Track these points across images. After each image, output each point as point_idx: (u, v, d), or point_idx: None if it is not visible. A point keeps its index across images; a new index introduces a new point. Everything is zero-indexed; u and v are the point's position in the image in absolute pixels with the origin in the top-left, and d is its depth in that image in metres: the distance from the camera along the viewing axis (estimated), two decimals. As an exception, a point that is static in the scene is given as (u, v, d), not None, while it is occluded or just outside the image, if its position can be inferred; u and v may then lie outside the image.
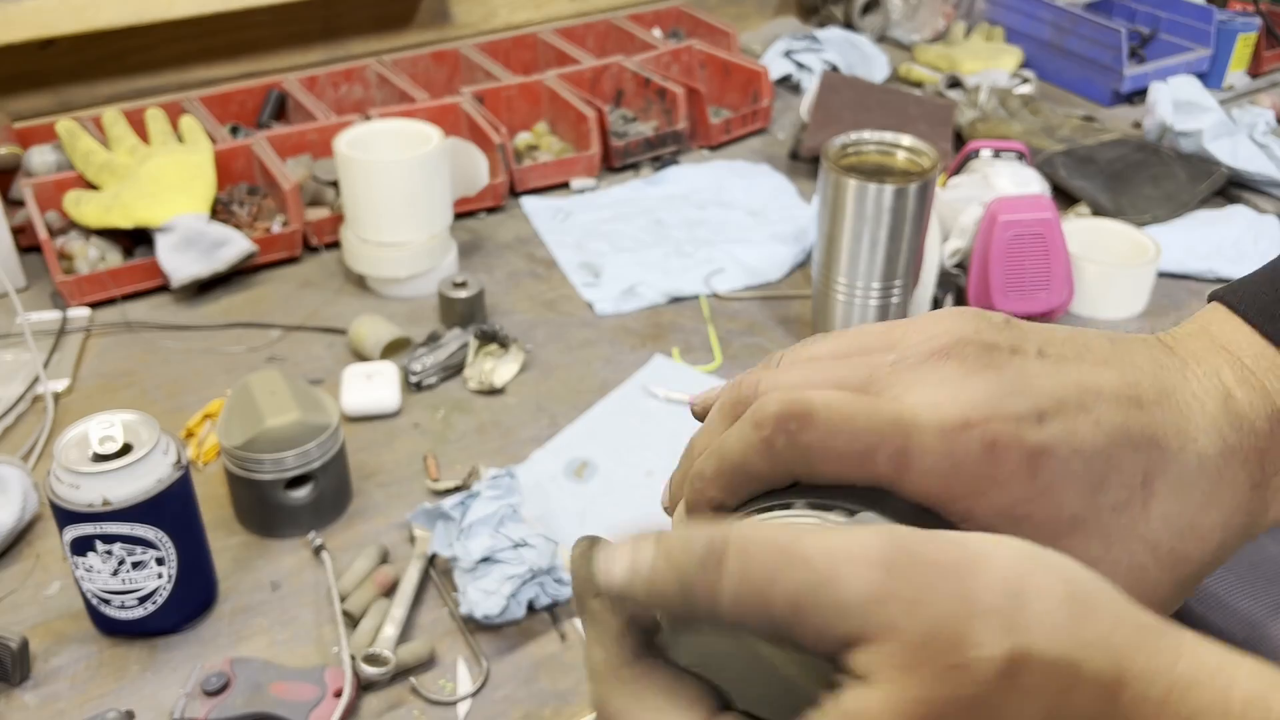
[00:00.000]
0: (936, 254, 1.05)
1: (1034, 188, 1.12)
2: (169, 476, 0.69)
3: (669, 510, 0.35)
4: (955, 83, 1.56)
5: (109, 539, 0.68)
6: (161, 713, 0.69)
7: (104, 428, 0.69)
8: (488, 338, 0.99)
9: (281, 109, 1.40)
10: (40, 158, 1.21)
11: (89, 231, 1.15)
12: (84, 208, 1.13)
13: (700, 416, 0.36)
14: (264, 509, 0.81)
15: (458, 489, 0.86)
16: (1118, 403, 0.30)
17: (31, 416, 0.95)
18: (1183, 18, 1.66)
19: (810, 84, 1.55)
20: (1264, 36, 1.67)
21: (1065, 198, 1.27)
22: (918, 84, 1.63)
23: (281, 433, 0.78)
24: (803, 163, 1.39)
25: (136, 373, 1.01)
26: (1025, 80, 1.58)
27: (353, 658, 0.70)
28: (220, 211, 1.19)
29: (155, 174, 1.15)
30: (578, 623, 0.75)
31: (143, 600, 0.71)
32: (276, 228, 1.18)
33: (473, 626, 0.74)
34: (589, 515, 0.83)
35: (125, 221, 1.12)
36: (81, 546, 0.68)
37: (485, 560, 0.74)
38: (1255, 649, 1.21)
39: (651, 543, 0.27)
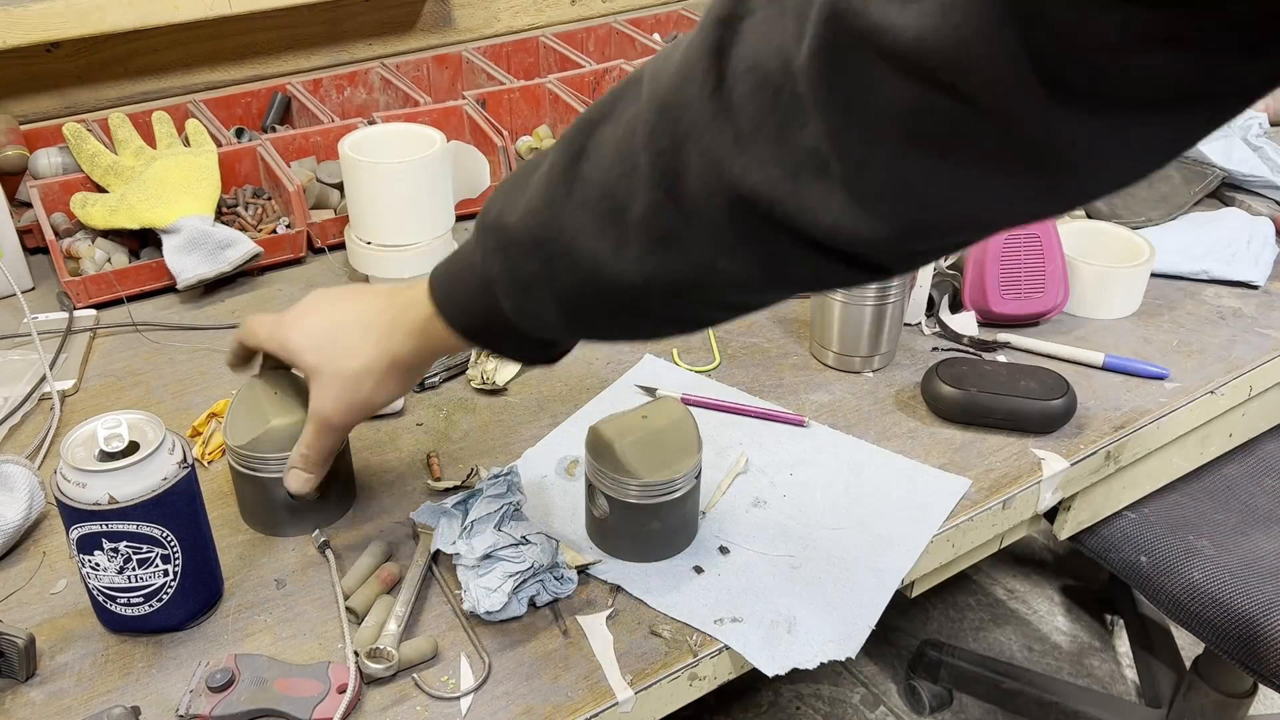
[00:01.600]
0: (933, 256, 1.06)
1: (1030, 190, 1.13)
2: (175, 475, 0.70)
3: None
4: (953, 86, 1.57)
5: (115, 537, 0.69)
6: (167, 709, 0.69)
7: (110, 427, 0.70)
8: (489, 339, 1.00)
9: (286, 112, 1.41)
10: (47, 160, 1.22)
11: (95, 233, 1.16)
12: (90, 209, 1.14)
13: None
14: (268, 507, 0.82)
15: (459, 488, 0.87)
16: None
17: (38, 416, 0.96)
18: (1180, 21, 1.66)
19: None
20: (1261, 40, 1.67)
21: (1062, 200, 1.27)
22: (916, 87, 1.64)
23: (287, 432, 0.79)
24: (802, 165, 1.40)
25: (142, 372, 1.02)
26: (1023, 83, 1.59)
27: (356, 654, 0.71)
28: (225, 213, 1.20)
29: (161, 176, 1.16)
30: (580, 619, 0.76)
31: (148, 597, 0.72)
32: (281, 229, 1.19)
33: (475, 623, 0.75)
34: (579, 512, 0.84)
35: (131, 223, 1.13)
36: (88, 544, 0.69)
37: (487, 557, 0.75)
38: (1252, 645, 1.22)
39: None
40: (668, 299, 0.56)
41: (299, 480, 0.77)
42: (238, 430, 0.80)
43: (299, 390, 0.82)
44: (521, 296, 0.60)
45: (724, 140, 0.49)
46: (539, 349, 0.68)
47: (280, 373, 0.83)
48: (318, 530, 0.82)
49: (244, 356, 0.81)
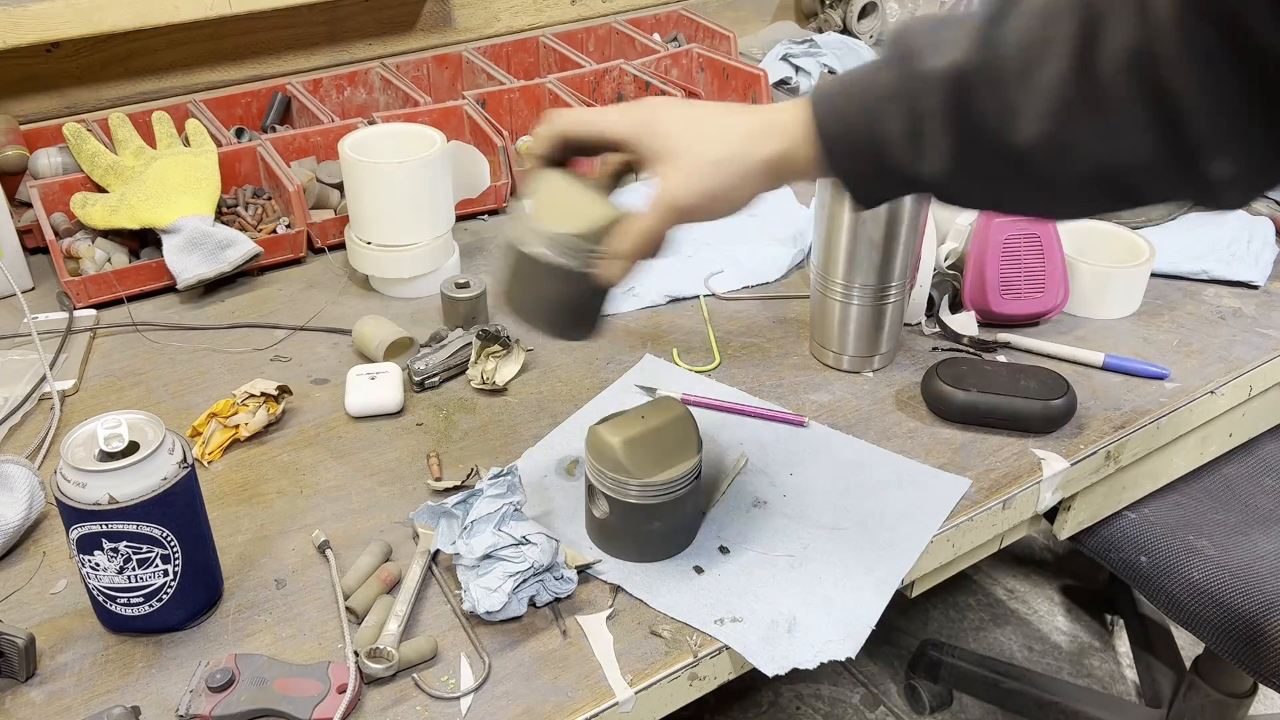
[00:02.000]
0: (933, 255, 1.06)
1: (1030, 190, 1.13)
2: (174, 475, 0.70)
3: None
4: (954, 86, 1.57)
5: (115, 537, 0.69)
6: (167, 709, 0.69)
7: (110, 427, 0.70)
8: (490, 338, 1.00)
9: (286, 112, 1.41)
10: (47, 160, 1.22)
11: (95, 233, 1.16)
12: (90, 209, 1.14)
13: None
14: (567, 304, 0.76)
15: (459, 488, 0.87)
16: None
17: (38, 416, 0.96)
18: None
19: (808, 87, 1.56)
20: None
21: (1062, 200, 1.27)
22: (916, 87, 1.64)
23: (612, 225, 0.72)
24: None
25: (142, 373, 1.02)
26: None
27: (356, 654, 0.71)
28: (225, 213, 1.20)
29: (161, 176, 1.16)
30: (580, 619, 0.76)
31: (148, 597, 0.72)
32: (281, 229, 1.19)
33: (475, 623, 0.75)
34: (579, 512, 0.84)
35: (131, 223, 1.13)
36: (88, 544, 0.69)
37: (487, 557, 0.75)
38: (1252, 645, 1.22)
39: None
40: (1051, 164, 0.59)
41: (620, 268, 0.73)
42: (559, 218, 0.73)
43: (599, 191, 0.76)
44: (916, 126, 0.62)
45: (1143, 27, 0.54)
46: (886, 184, 0.67)
47: (577, 174, 0.76)
48: (317, 531, 0.82)
49: (552, 154, 0.76)
